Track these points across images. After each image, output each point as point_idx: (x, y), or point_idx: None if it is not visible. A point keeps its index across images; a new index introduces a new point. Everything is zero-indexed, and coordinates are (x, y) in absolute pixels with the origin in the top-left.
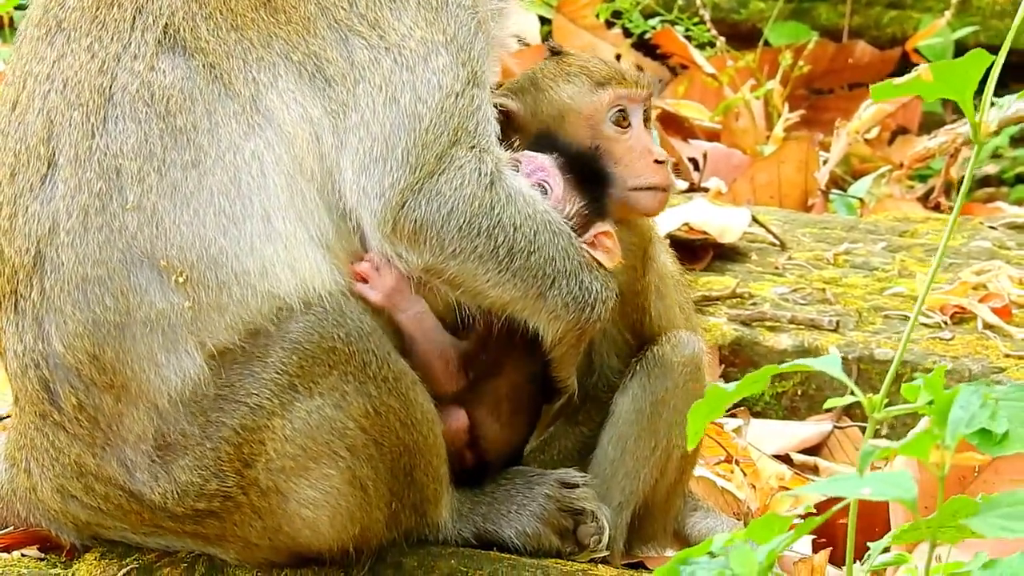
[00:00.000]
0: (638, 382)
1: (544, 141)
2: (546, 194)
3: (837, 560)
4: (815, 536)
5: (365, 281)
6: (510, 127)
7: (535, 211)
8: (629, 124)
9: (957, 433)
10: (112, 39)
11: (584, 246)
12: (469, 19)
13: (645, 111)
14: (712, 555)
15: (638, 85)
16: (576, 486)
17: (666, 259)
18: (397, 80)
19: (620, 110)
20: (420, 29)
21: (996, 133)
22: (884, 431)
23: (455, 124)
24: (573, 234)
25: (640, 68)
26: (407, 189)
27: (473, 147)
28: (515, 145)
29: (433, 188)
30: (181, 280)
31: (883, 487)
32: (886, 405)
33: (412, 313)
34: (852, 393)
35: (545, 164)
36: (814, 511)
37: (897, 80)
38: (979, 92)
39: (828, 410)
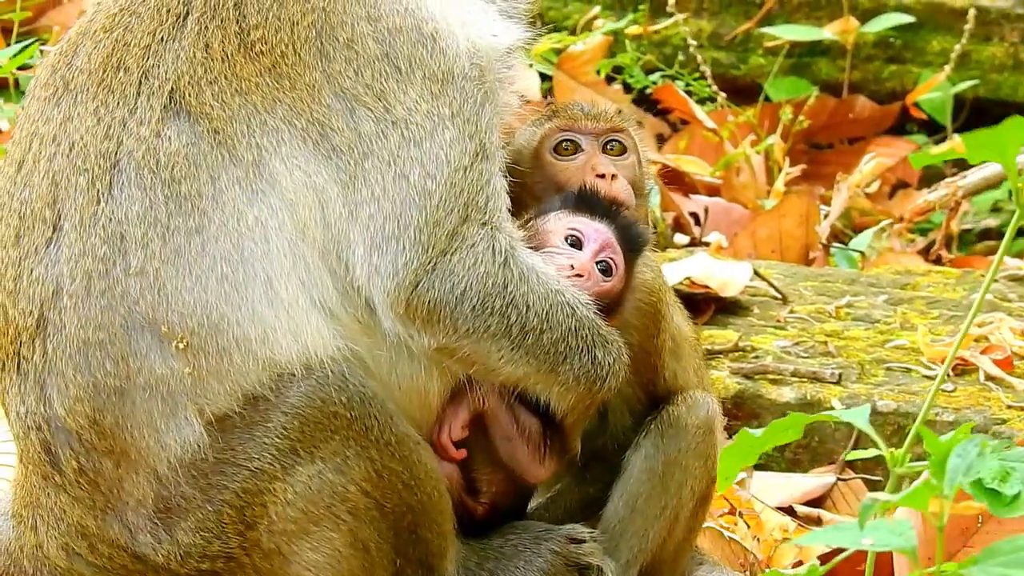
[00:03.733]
0: (651, 442)
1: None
2: (610, 275)
3: None
4: None
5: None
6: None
7: (548, 289)
8: (575, 152)
9: (956, 483)
10: (118, 104)
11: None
12: (475, 90)
13: (608, 143)
14: None
15: (587, 117)
16: (583, 541)
17: (680, 320)
18: (405, 156)
19: (564, 140)
20: (426, 103)
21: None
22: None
23: (465, 199)
24: (589, 307)
25: (640, 123)
26: (420, 268)
27: (484, 224)
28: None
29: (446, 268)
30: (182, 346)
31: (884, 537)
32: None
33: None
34: (870, 443)
35: (612, 240)
36: (818, 564)
37: (935, 149)
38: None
39: (832, 461)
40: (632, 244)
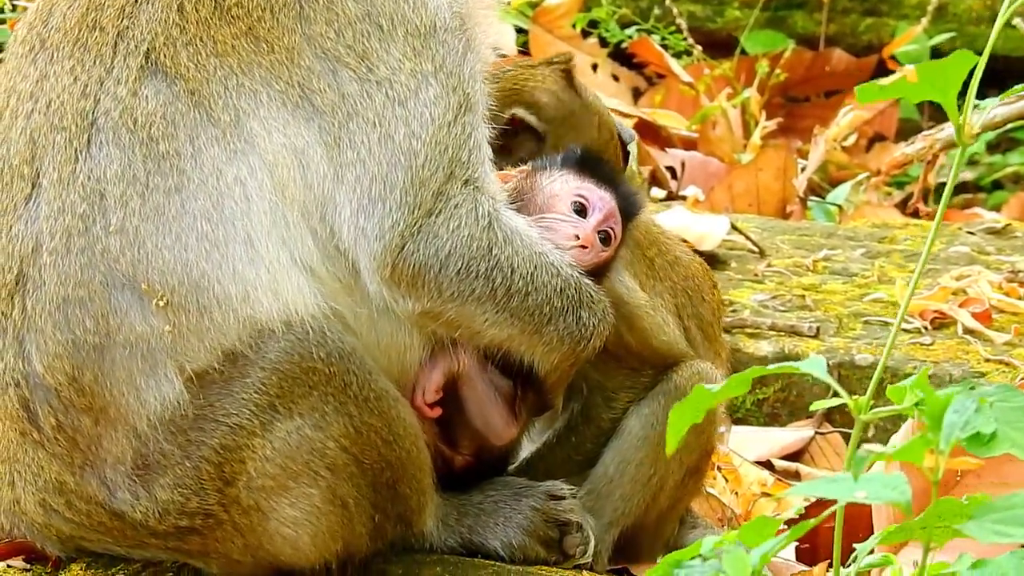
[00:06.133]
0: (651, 410)
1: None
2: (608, 244)
3: (815, 561)
4: (797, 541)
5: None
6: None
7: (532, 251)
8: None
9: (952, 438)
10: (95, 63)
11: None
12: (456, 42)
13: None
14: (703, 558)
15: None
16: (563, 498)
17: (632, 285)
18: (390, 116)
19: None
20: (409, 61)
21: (978, 136)
22: (868, 434)
23: (450, 155)
24: (573, 267)
25: (616, 78)
26: (406, 230)
27: (467, 182)
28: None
29: (431, 231)
30: (162, 304)
31: (877, 489)
32: (872, 408)
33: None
34: (837, 395)
35: (615, 210)
36: (803, 515)
37: (883, 81)
38: (961, 95)
39: (810, 415)
40: (630, 213)
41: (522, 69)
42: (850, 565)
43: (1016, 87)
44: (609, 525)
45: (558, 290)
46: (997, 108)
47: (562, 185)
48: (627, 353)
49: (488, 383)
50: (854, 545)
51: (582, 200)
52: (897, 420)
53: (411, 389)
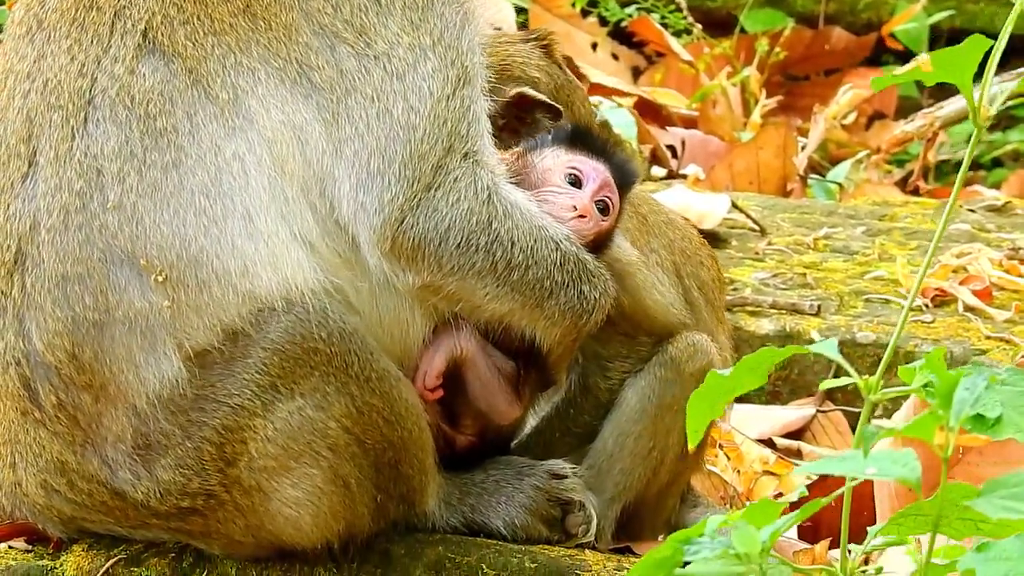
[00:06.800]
0: (648, 383)
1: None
2: (607, 214)
3: (817, 539)
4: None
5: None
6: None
7: (532, 224)
8: None
9: (962, 415)
10: (92, 42)
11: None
12: (454, 15)
13: None
14: (713, 537)
15: None
16: (565, 477)
17: (626, 247)
18: (388, 90)
19: None
20: (407, 35)
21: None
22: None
23: (448, 129)
24: (572, 241)
25: (616, 57)
26: (405, 204)
27: (467, 155)
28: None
29: (430, 204)
30: (161, 279)
31: (887, 466)
32: (881, 388)
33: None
34: (846, 375)
35: (610, 179)
36: (807, 494)
37: (899, 70)
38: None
39: (811, 393)
40: (625, 182)
41: (504, 46)
42: (862, 544)
43: None
44: (611, 500)
45: (558, 264)
46: (1007, 84)
47: (554, 160)
48: (621, 317)
49: (491, 365)
50: (866, 528)
51: (575, 172)
52: (898, 400)
53: (414, 370)
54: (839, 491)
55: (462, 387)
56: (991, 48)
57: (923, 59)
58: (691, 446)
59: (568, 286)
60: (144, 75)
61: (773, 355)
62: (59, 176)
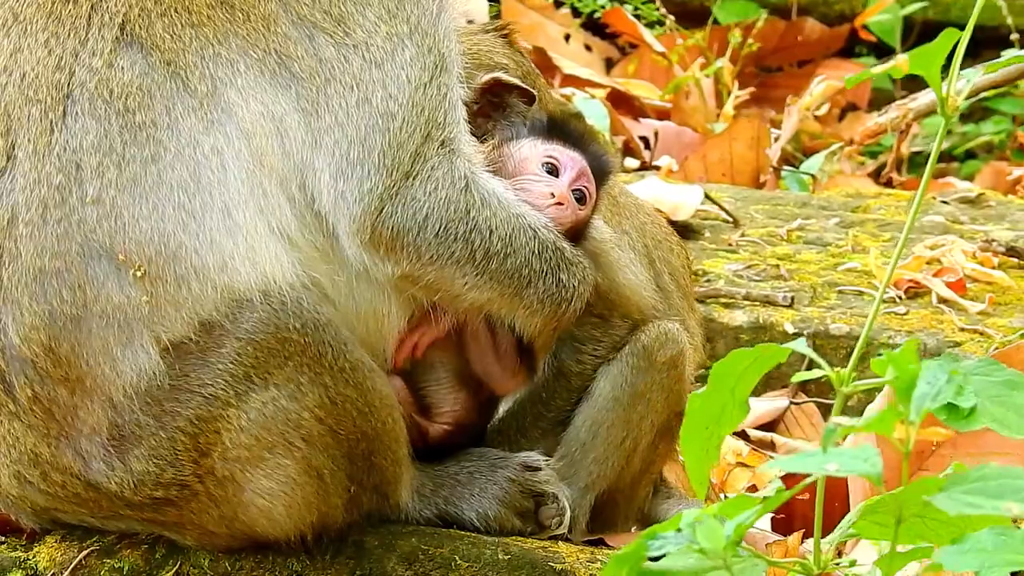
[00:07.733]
0: (620, 371)
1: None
2: (584, 204)
3: (790, 531)
4: (773, 513)
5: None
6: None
7: (510, 213)
8: None
9: (923, 409)
10: (69, 35)
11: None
12: (430, 3)
13: None
14: (680, 531)
15: None
16: (539, 469)
17: (602, 227)
18: (367, 79)
19: None
20: (385, 23)
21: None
22: (848, 406)
23: (426, 117)
24: (551, 229)
25: (589, 48)
26: (384, 193)
27: (444, 143)
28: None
29: (408, 193)
30: (139, 274)
31: (848, 462)
32: (853, 380)
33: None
34: (819, 367)
35: (587, 168)
36: (784, 488)
37: (876, 68)
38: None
39: (785, 385)
40: (601, 172)
41: (466, 36)
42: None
43: (1006, 57)
44: (585, 490)
45: (536, 252)
46: (979, 76)
47: (531, 149)
48: (596, 297)
49: (491, 333)
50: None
51: (552, 161)
52: (873, 391)
53: (389, 360)
54: (804, 483)
55: (451, 363)
56: (959, 40)
57: (902, 59)
58: (700, 497)
59: (547, 274)
60: (122, 68)
61: (751, 369)
62: (37, 170)
